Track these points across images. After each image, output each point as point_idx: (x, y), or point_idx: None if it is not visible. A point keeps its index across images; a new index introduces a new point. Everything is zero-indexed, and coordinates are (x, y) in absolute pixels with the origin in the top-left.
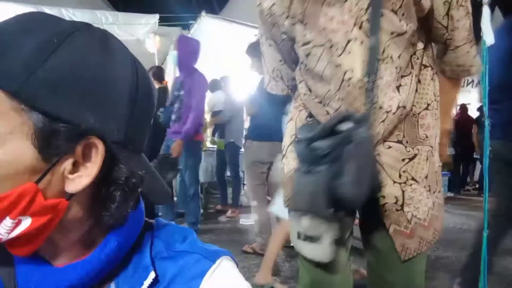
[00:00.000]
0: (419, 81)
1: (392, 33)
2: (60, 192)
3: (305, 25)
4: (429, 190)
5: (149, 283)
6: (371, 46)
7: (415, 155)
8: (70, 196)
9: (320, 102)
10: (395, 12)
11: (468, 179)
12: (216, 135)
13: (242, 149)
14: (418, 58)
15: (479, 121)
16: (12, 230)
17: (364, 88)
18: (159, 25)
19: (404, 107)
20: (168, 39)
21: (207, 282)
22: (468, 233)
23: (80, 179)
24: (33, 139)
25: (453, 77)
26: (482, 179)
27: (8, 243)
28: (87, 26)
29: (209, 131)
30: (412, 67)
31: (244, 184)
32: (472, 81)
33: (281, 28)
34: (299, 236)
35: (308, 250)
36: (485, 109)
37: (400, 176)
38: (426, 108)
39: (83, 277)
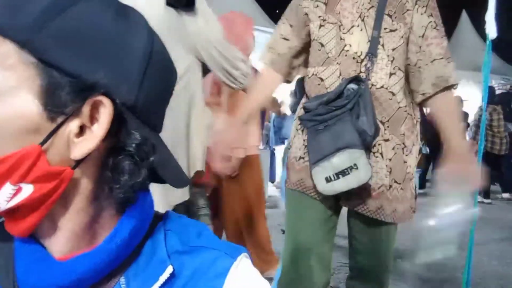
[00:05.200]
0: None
1: (385, 29)
2: (66, 160)
3: (326, 7)
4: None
5: (166, 278)
6: (374, 36)
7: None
8: (76, 165)
9: (313, 76)
10: (390, 16)
11: None
12: None
13: None
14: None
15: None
16: (11, 198)
17: (355, 59)
18: None
19: (386, 88)
20: None
21: (230, 281)
22: None
23: (86, 143)
24: (39, 95)
25: (437, 93)
26: None
27: (6, 215)
28: None
29: None
30: (404, 72)
31: None
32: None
33: (303, 10)
34: (329, 180)
35: (345, 182)
36: (484, 104)
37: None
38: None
39: (91, 270)
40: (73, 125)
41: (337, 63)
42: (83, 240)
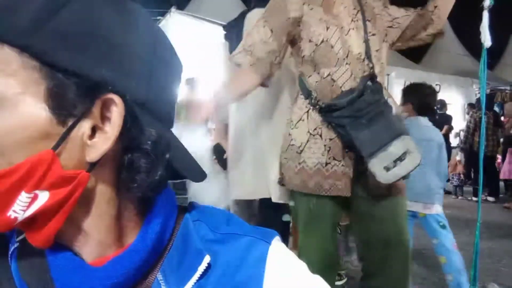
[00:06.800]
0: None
1: (369, 32)
2: (80, 163)
3: (322, 9)
4: None
5: (204, 268)
6: (365, 39)
7: None
8: (91, 168)
9: (327, 77)
10: (369, 21)
11: None
12: None
13: None
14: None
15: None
16: (28, 207)
17: (358, 60)
18: None
19: (381, 84)
20: None
21: (271, 265)
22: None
23: (101, 144)
24: (46, 99)
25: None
26: None
27: (25, 226)
28: None
29: None
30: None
31: None
32: None
33: (292, 13)
34: (389, 169)
35: (402, 168)
36: (483, 106)
37: None
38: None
39: (129, 271)
40: (85, 127)
41: (347, 64)
42: (111, 242)
